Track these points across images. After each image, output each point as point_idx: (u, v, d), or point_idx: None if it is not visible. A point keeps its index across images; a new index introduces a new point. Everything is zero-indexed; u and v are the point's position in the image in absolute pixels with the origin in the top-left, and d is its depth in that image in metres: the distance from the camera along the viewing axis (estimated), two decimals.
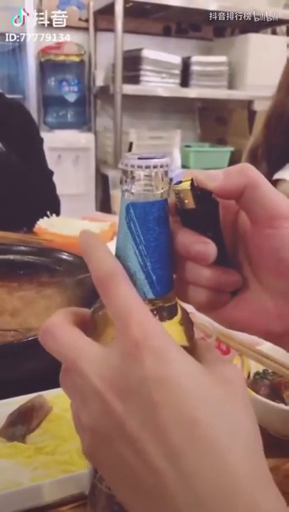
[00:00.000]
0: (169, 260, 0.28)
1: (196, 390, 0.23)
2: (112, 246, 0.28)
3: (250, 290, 0.31)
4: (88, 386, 0.24)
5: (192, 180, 0.28)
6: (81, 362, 0.25)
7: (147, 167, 0.26)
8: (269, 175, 1.04)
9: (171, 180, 0.27)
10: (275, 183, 1.02)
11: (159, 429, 0.22)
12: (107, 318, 0.27)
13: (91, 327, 0.28)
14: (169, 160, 0.26)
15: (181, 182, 0.28)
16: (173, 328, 0.28)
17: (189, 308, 0.32)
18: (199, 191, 0.28)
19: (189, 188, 0.28)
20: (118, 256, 0.28)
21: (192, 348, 0.28)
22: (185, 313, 0.29)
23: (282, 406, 0.49)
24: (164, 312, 0.28)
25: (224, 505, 0.21)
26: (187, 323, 0.29)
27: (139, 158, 0.26)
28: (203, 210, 0.28)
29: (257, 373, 0.57)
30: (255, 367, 0.57)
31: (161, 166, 0.26)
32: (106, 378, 0.24)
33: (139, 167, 0.26)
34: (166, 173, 0.27)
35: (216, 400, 0.24)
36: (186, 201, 0.28)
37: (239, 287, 0.31)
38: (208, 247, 0.28)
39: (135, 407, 0.23)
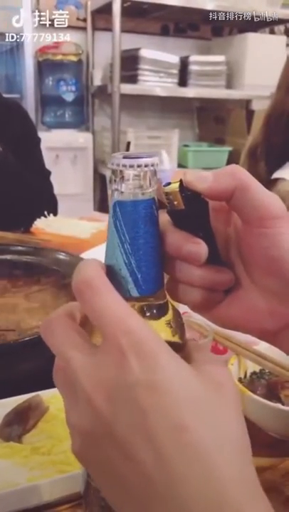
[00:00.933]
0: (157, 259, 0.28)
1: (185, 394, 0.23)
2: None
3: (243, 288, 0.31)
4: (79, 386, 0.24)
5: (181, 181, 0.28)
6: (75, 361, 0.25)
7: (131, 166, 0.26)
8: (268, 174, 1.04)
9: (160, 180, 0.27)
10: (274, 182, 1.02)
11: (148, 435, 0.22)
12: None
13: (91, 324, 0.28)
14: (157, 160, 0.26)
15: (170, 183, 0.28)
16: (161, 327, 0.28)
17: (184, 308, 0.32)
18: (189, 192, 0.28)
19: (178, 189, 0.28)
20: (107, 255, 0.28)
21: (181, 348, 0.28)
22: (176, 312, 0.29)
23: (279, 406, 0.49)
24: (153, 310, 0.28)
25: (211, 510, 0.21)
26: (177, 323, 0.29)
27: (126, 158, 0.26)
28: (193, 210, 0.29)
29: (254, 373, 0.57)
30: (252, 367, 0.57)
31: (146, 166, 0.26)
32: (96, 382, 0.24)
33: (124, 166, 0.26)
34: (154, 172, 0.27)
35: (205, 405, 0.23)
36: (176, 202, 0.28)
37: (232, 286, 0.31)
38: (200, 247, 0.28)
39: (124, 412, 0.23)
